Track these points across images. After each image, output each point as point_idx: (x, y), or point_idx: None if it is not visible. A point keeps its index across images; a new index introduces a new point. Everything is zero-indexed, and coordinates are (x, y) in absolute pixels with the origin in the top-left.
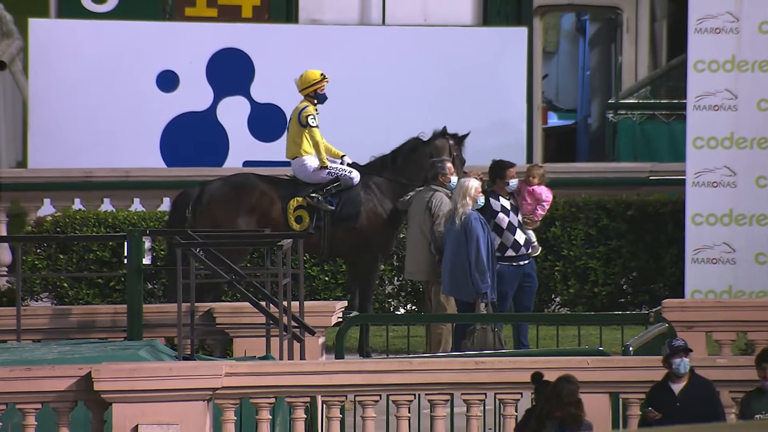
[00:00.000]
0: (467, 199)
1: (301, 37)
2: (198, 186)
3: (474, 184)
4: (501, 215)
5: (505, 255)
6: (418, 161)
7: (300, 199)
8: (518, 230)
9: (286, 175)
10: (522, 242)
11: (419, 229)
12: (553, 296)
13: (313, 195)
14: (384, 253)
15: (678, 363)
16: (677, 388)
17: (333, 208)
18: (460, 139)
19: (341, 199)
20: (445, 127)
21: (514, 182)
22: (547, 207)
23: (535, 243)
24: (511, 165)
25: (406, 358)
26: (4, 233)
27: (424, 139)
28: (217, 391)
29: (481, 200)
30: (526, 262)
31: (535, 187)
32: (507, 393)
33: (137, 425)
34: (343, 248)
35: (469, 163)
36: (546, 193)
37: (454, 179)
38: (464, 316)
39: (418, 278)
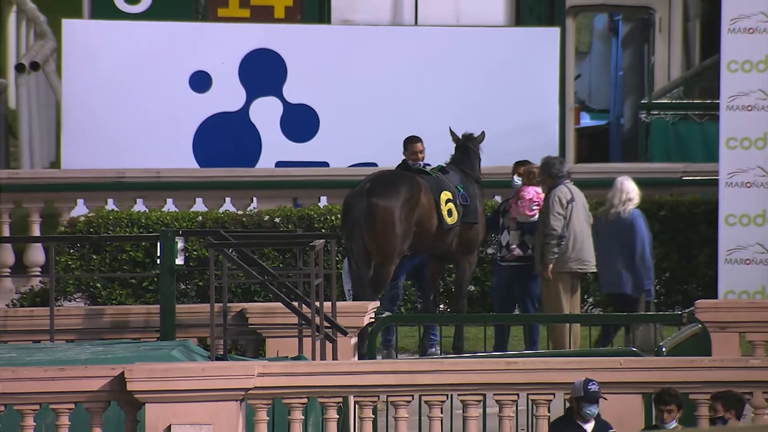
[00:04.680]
0: (632, 194)
1: (334, 37)
2: (358, 186)
3: (631, 184)
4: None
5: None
6: (475, 160)
7: (448, 192)
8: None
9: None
10: (504, 243)
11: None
12: (585, 296)
13: (452, 190)
14: (478, 250)
15: (590, 409)
16: (588, 427)
17: (468, 203)
18: (481, 139)
19: (468, 194)
20: (467, 134)
21: (516, 180)
22: (522, 207)
23: (514, 246)
24: (523, 163)
25: (439, 359)
26: (38, 233)
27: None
28: (250, 392)
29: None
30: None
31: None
32: (540, 393)
33: (170, 425)
34: (458, 244)
35: (500, 164)
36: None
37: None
38: (502, 317)
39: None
